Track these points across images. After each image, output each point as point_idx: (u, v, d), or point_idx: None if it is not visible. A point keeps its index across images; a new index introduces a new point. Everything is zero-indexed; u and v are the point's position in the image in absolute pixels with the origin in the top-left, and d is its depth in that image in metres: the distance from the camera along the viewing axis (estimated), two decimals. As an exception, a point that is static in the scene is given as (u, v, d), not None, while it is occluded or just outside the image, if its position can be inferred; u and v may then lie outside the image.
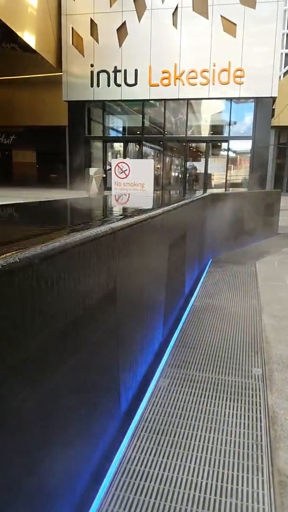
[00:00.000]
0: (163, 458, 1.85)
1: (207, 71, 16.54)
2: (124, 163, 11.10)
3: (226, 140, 18.16)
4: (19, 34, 15.14)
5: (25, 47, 16.12)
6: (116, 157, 18.80)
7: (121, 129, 20.03)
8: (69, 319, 1.38)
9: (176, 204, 3.41)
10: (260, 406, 2.27)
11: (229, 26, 16.07)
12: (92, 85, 17.41)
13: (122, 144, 19.43)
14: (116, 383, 1.97)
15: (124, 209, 3.42)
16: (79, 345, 1.48)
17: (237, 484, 1.70)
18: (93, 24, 17.09)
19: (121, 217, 2.25)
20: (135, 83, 17.16)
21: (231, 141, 18.22)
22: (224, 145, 18.80)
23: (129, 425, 2.09)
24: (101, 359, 1.76)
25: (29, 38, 15.88)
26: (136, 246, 2.20)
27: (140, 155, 18.72)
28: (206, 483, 1.70)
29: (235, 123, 17.83)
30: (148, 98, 17.30)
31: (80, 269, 1.44)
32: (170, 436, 2.00)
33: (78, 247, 1.39)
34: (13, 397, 1.04)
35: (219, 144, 19.01)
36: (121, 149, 19.42)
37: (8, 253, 1.04)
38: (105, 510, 1.56)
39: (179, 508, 1.57)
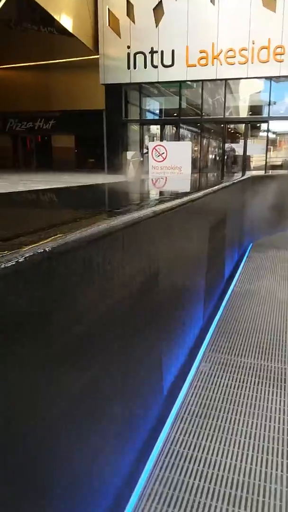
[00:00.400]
0: (206, 441, 1.85)
1: (246, 50, 15.95)
2: (161, 146, 10.97)
3: (266, 120, 17.55)
4: (56, 17, 15.13)
5: (62, 30, 16.10)
6: (153, 140, 18.64)
7: (158, 111, 19.78)
8: (113, 303, 1.38)
9: (216, 187, 3.34)
10: (304, 393, 2.22)
11: (269, 1, 15.38)
12: (128, 67, 17.23)
13: (159, 127, 19.21)
14: (159, 366, 1.98)
15: (164, 193, 3.39)
16: (123, 329, 1.49)
17: (282, 471, 1.68)
18: (129, 4, 16.82)
19: (161, 200, 2.23)
20: (172, 64, 16.83)
21: (271, 122, 17.59)
22: (264, 126, 18.19)
23: (171, 408, 2.10)
24: (143, 343, 1.77)
25: (66, 21, 15.85)
26: (177, 230, 2.18)
27: (177, 137, 18.46)
28: (251, 468, 1.69)
29: (275, 103, 17.17)
30: (185, 79, 16.94)
31: (124, 252, 1.44)
32: (213, 420, 2.00)
33: (122, 230, 1.39)
34: (64, 380, 1.06)
35: (258, 125, 18.41)
36: (158, 132, 19.21)
37: (57, 236, 1.05)
38: (150, 488, 1.58)
39: (223, 491, 1.58)
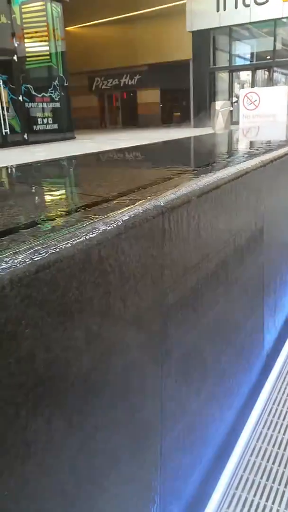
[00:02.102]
0: (311, 402, 1.78)
1: None
2: (254, 93, 10.26)
3: None
4: None
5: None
6: (243, 88, 17.52)
7: (248, 56, 18.42)
8: (220, 259, 1.34)
9: None
10: None
11: None
12: (218, 10, 16.10)
13: (249, 73, 17.95)
14: (260, 324, 1.92)
15: (263, 142, 3.17)
16: (228, 286, 1.45)
17: None
18: None
19: (263, 150, 2.08)
20: (266, 1, 15.36)
21: None
22: None
23: (272, 366, 2.05)
24: (247, 300, 1.72)
25: None
26: (284, 181, 2.03)
27: (270, 82, 17.13)
28: None
29: None
30: (281, 16, 15.41)
31: (230, 206, 1.37)
32: None
33: (229, 183, 1.31)
34: (175, 333, 1.06)
35: None
36: (249, 78, 17.97)
37: (165, 190, 1.01)
38: (253, 444, 1.57)
39: None
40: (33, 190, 1.34)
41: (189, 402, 1.21)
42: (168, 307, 1.02)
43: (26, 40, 13.23)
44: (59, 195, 1.20)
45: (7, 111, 12.50)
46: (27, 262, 0.62)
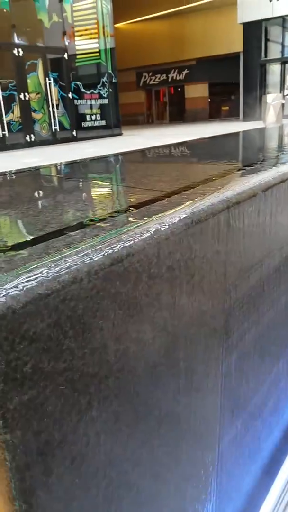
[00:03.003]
0: None
1: None
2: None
3: None
4: None
5: None
6: (296, 80, 16.93)
7: (302, 46, 17.77)
8: (283, 256, 1.30)
9: None
10: None
11: None
12: (270, 0, 15.62)
13: (303, 64, 17.30)
14: None
15: None
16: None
17: None
18: None
19: None
20: None
21: None
22: None
23: None
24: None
25: None
26: None
27: None
28: None
29: None
30: None
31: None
32: None
33: (292, 177, 1.27)
34: (236, 330, 1.05)
35: None
36: (302, 70, 17.33)
37: (229, 185, 1.00)
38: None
39: None
40: (98, 185, 1.36)
41: (248, 401, 1.19)
42: (231, 303, 1.00)
43: (76, 38, 13.46)
44: (123, 190, 1.21)
45: (57, 108, 12.80)
46: (103, 255, 0.62)
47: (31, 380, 0.54)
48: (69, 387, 0.59)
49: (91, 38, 14.01)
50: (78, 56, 13.63)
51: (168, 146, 3.01)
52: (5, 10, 11.21)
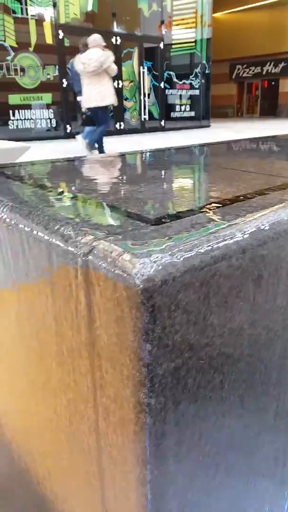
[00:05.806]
0: None
1: None
2: None
3: None
4: None
5: None
6: None
7: None
8: None
9: None
10: None
11: None
12: None
13: None
14: None
15: None
16: None
17: None
18: None
19: None
20: None
21: None
22: None
23: None
24: None
25: None
26: None
27: None
28: None
29: None
30: None
31: None
32: None
33: None
34: None
35: None
36: None
37: None
38: None
39: None
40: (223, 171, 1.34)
41: None
42: None
43: (173, 27, 13.41)
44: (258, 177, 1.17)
45: (148, 97, 12.90)
46: (249, 235, 0.61)
47: (179, 350, 0.54)
48: (207, 363, 0.59)
49: (188, 28, 13.87)
50: (173, 46, 13.59)
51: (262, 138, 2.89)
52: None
